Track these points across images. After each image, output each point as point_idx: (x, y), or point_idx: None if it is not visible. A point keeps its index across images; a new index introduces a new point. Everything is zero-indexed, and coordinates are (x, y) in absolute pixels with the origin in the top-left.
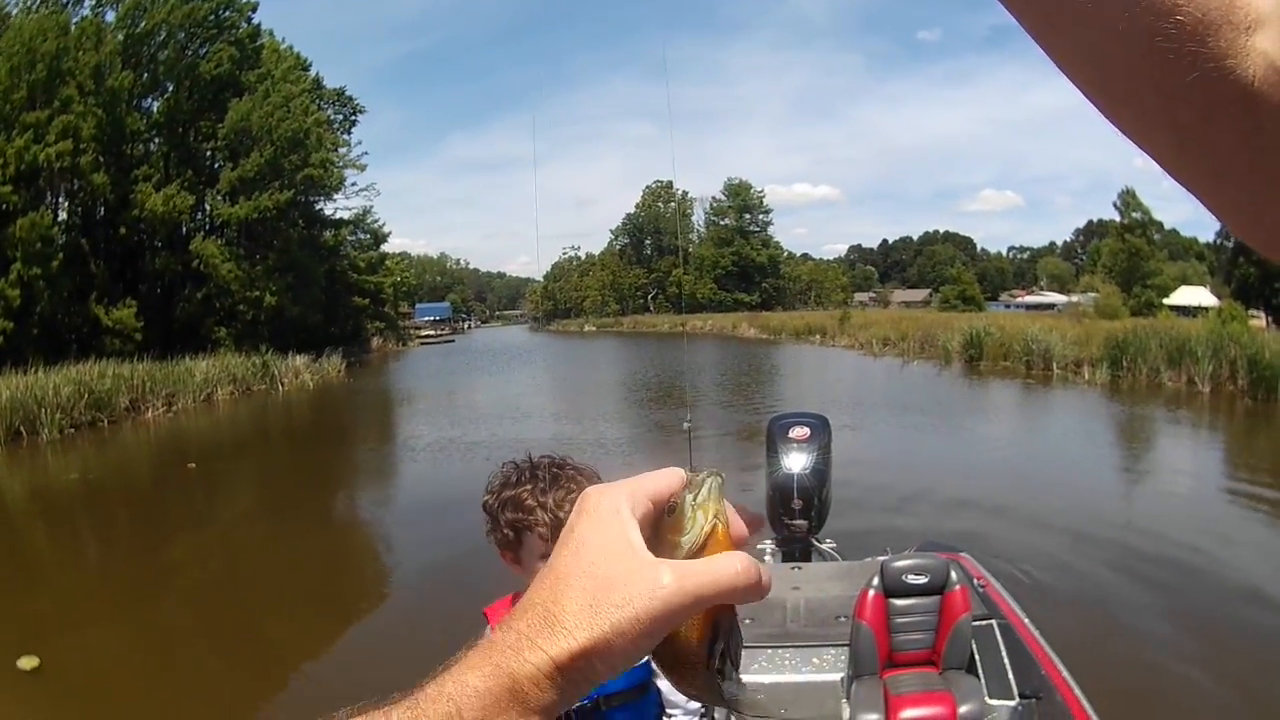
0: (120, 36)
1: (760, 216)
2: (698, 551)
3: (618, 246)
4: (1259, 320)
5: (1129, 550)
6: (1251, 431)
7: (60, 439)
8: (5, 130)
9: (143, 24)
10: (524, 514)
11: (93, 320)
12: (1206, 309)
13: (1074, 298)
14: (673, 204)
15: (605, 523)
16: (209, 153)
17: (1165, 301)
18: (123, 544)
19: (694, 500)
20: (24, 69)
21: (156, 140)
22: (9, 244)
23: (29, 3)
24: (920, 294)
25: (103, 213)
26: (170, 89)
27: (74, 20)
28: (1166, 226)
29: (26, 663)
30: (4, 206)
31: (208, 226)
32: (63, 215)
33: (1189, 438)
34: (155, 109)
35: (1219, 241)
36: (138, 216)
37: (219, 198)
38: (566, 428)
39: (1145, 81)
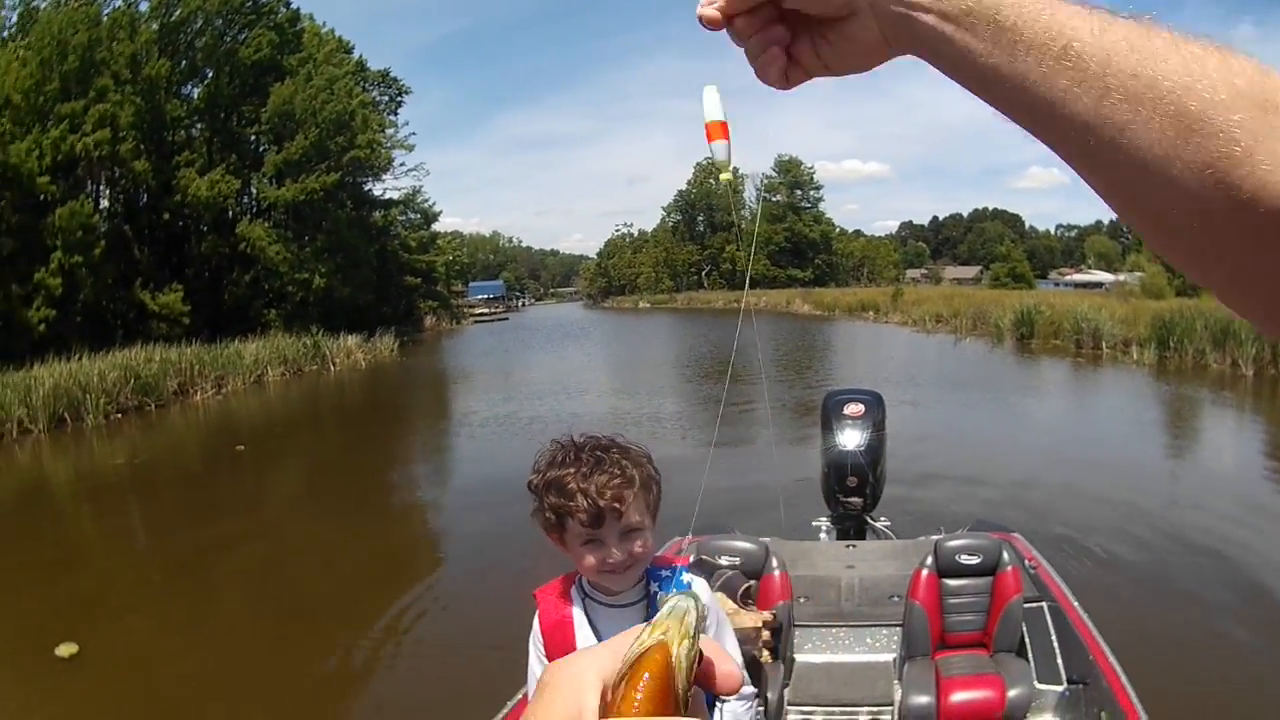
0: (155, 26)
1: (811, 193)
2: (626, 673)
3: (670, 223)
4: None
5: (1177, 533)
6: None
7: (106, 424)
8: (40, 122)
9: (178, 13)
10: (565, 499)
11: (138, 305)
12: None
13: (1121, 276)
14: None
15: (558, 699)
16: (252, 137)
17: None
18: (169, 528)
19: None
20: (55, 61)
21: (198, 126)
22: (49, 233)
23: None
24: (971, 271)
25: (145, 199)
26: (210, 75)
27: (105, 12)
28: None
29: (65, 650)
30: (42, 196)
31: (254, 210)
32: (104, 203)
33: (1234, 420)
34: (195, 95)
35: None
36: (181, 202)
37: (264, 181)
38: (622, 402)
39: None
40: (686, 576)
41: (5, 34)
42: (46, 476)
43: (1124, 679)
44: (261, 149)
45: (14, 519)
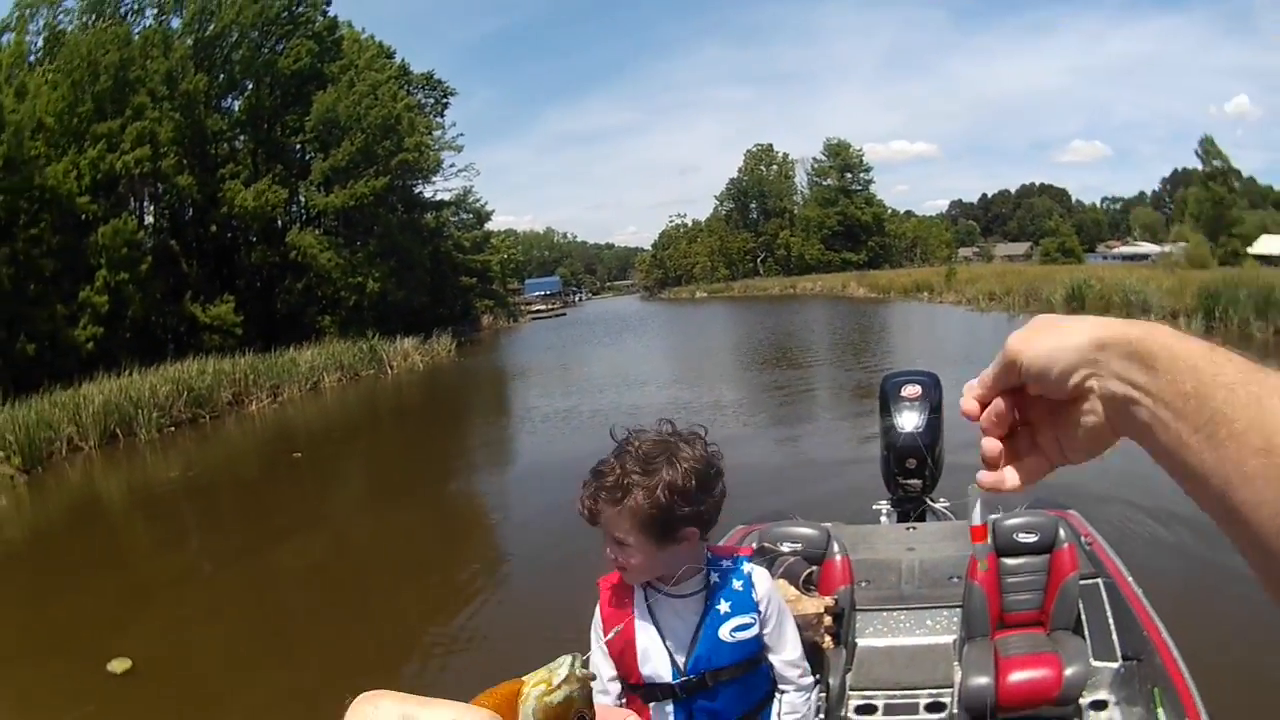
0: (189, 41)
1: (861, 175)
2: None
3: (723, 211)
4: None
5: None
6: None
7: (159, 438)
8: (76, 142)
9: (211, 27)
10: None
11: (189, 319)
12: None
13: (1166, 248)
14: (775, 166)
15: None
16: (298, 146)
17: (1249, 250)
18: (225, 538)
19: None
20: (87, 82)
21: (241, 138)
22: (92, 252)
23: (85, 19)
24: (1021, 247)
25: (191, 213)
26: (250, 87)
27: (136, 31)
28: (1244, 174)
29: (118, 665)
30: (84, 216)
31: (304, 218)
32: (149, 219)
33: None
34: (237, 108)
35: None
36: (229, 214)
37: (312, 189)
38: (682, 392)
39: None
40: (747, 566)
41: (33, 58)
42: (98, 492)
43: (1177, 655)
44: (308, 157)
45: (65, 535)
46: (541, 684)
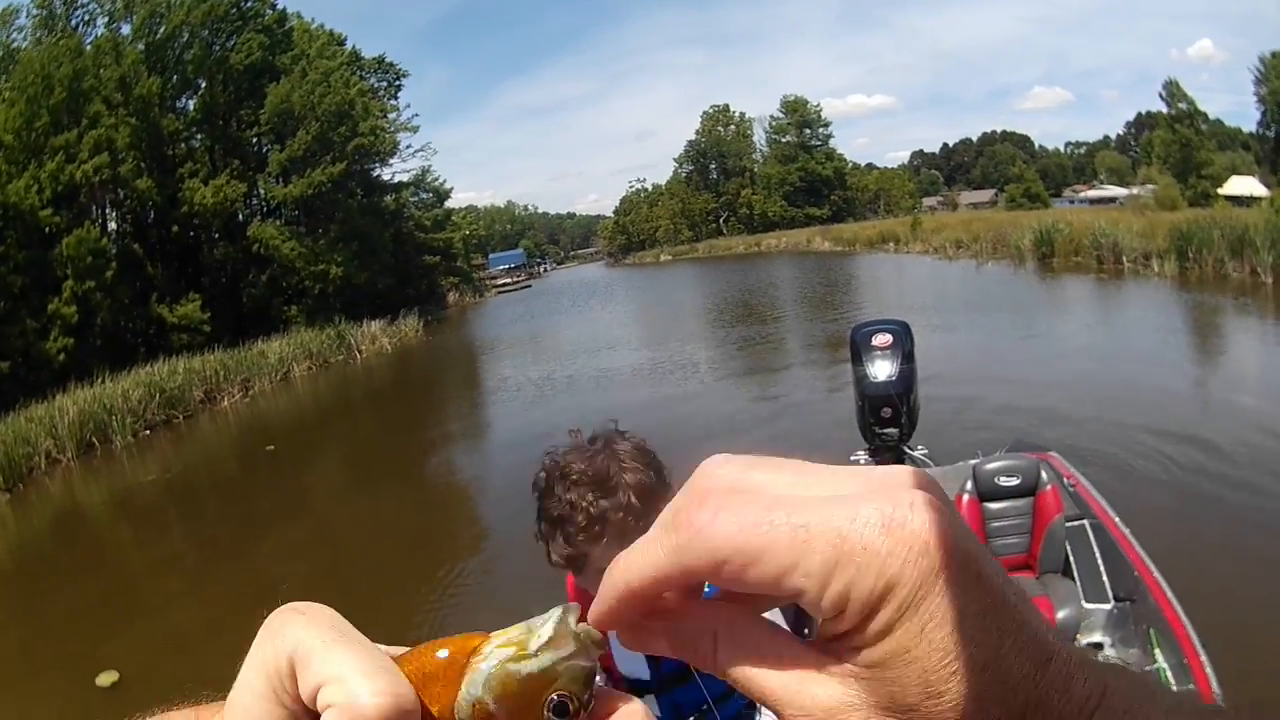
0: (140, 46)
1: (820, 130)
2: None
3: (683, 174)
4: None
5: (1212, 445)
6: None
7: (134, 442)
8: (35, 157)
9: (162, 30)
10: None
11: (157, 320)
12: (1258, 199)
13: (1134, 190)
14: (732, 126)
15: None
16: (254, 139)
17: (1219, 191)
18: (207, 540)
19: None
20: (42, 97)
21: (198, 136)
22: (58, 264)
23: (38, 35)
24: (986, 194)
25: (153, 215)
26: (203, 85)
27: (87, 41)
28: (1211, 117)
29: (106, 678)
30: (48, 229)
31: (264, 210)
32: (112, 225)
33: (1259, 328)
34: (191, 107)
35: (1261, 131)
36: (189, 213)
37: (271, 180)
38: (653, 353)
39: None
40: None
41: None
42: (80, 504)
43: (1170, 594)
44: (265, 150)
45: (50, 550)
46: (512, 646)
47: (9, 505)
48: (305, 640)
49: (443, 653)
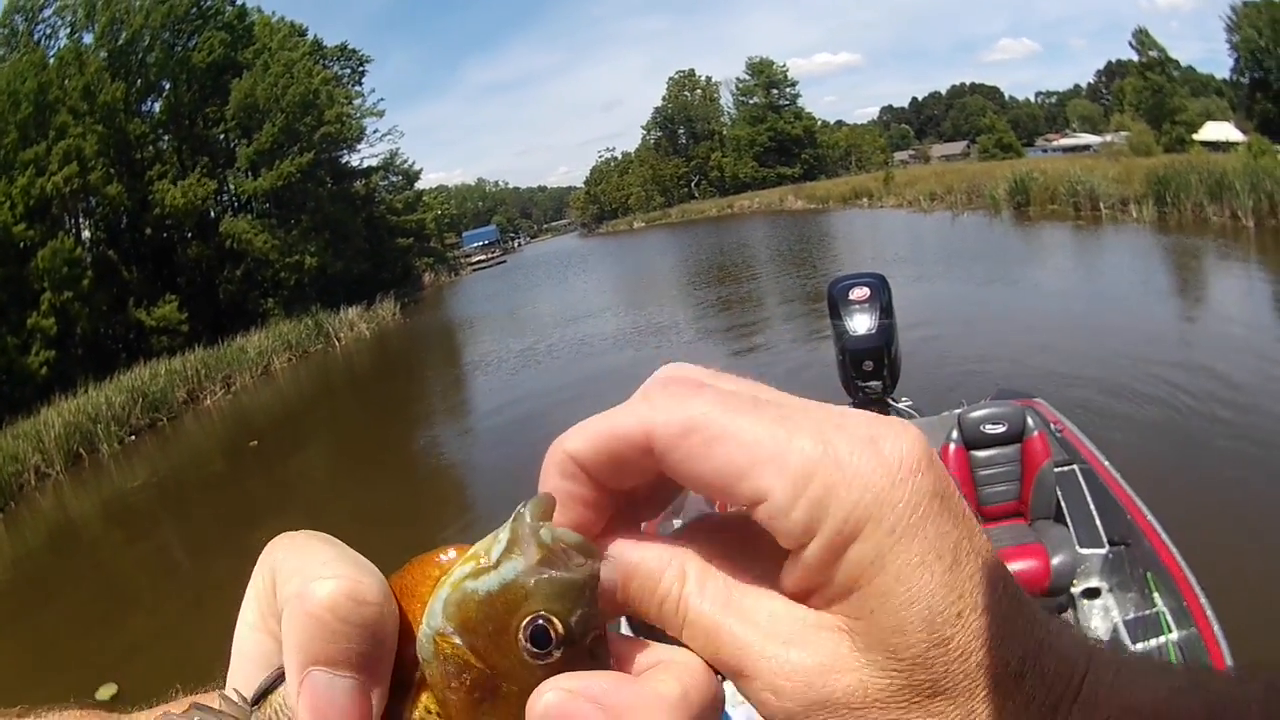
0: (103, 54)
1: (787, 90)
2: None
3: (652, 141)
4: None
5: (1197, 386)
6: None
7: (121, 450)
8: (5, 173)
9: (123, 36)
10: None
11: (136, 325)
12: (1234, 144)
13: (1107, 137)
14: (699, 91)
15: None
16: (221, 136)
17: (1194, 137)
18: (198, 542)
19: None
20: (9, 113)
21: (165, 138)
22: (34, 277)
23: (3, 53)
24: (958, 146)
25: (125, 220)
26: (168, 87)
27: (51, 54)
28: (1182, 64)
29: (105, 692)
30: (22, 244)
31: (235, 205)
32: (86, 234)
33: (1241, 272)
34: (157, 109)
35: (1235, 78)
36: (161, 215)
37: (240, 175)
38: (631, 318)
39: None
40: None
41: None
42: (72, 517)
43: (1165, 537)
44: (232, 145)
45: (46, 566)
46: (472, 559)
47: (2, 524)
48: (287, 556)
49: (445, 555)
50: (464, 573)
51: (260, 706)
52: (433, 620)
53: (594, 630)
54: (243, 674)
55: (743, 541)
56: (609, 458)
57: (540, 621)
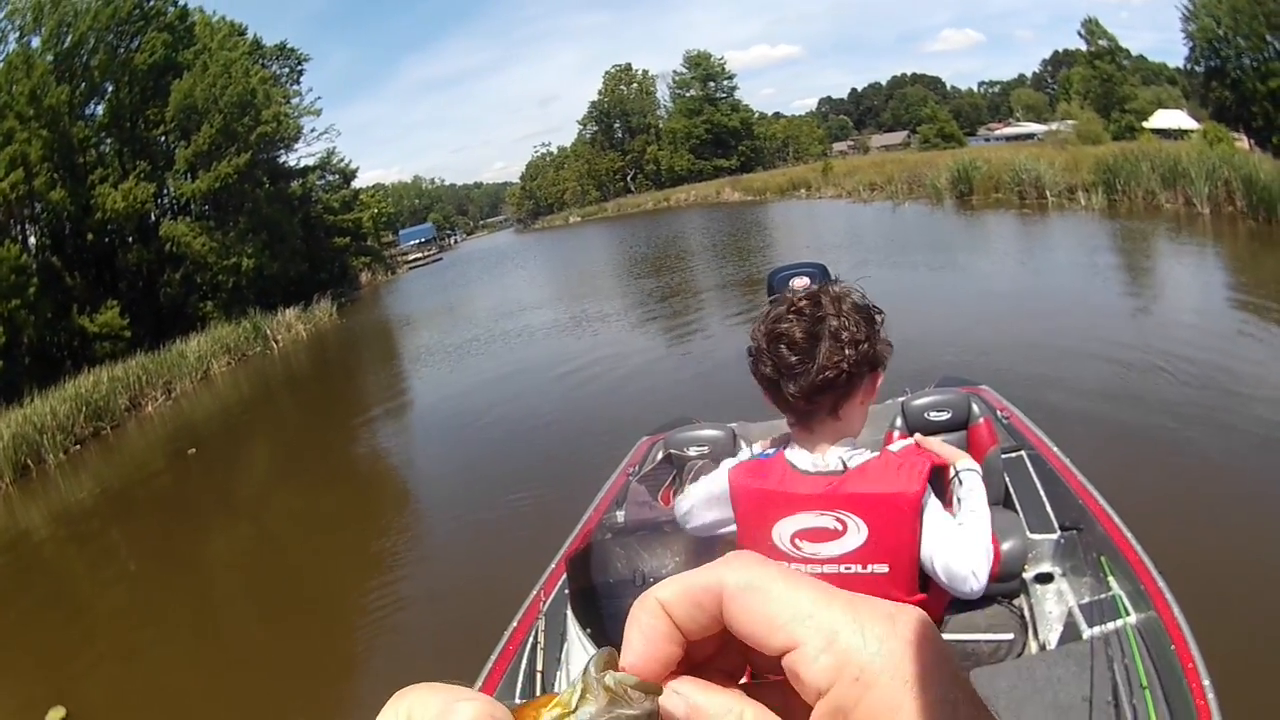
0: (49, 57)
1: (725, 83)
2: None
3: (588, 135)
4: (1241, 142)
5: (1149, 369)
6: (1259, 252)
7: (67, 459)
8: None
9: (69, 39)
10: None
11: (79, 331)
12: (1187, 132)
13: (1053, 126)
14: (635, 84)
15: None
16: (161, 137)
17: (1145, 125)
18: (145, 552)
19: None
20: None
21: (107, 141)
22: None
23: None
24: (898, 136)
25: (68, 226)
26: (110, 89)
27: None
28: (1133, 53)
29: (54, 715)
30: None
31: (174, 208)
32: (32, 240)
33: (1197, 259)
34: (100, 112)
35: (1190, 66)
36: (103, 219)
37: (179, 177)
38: (570, 309)
39: None
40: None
41: None
42: (22, 530)
43: (1118, 520)
44: (172, 148)
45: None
46: (558, 707)
47: None
48: (423, 695)
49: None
50: (553, 716)
51: None
52: None
53: None
54: None
55: (788, 703)
56: (688, 602)
57: None
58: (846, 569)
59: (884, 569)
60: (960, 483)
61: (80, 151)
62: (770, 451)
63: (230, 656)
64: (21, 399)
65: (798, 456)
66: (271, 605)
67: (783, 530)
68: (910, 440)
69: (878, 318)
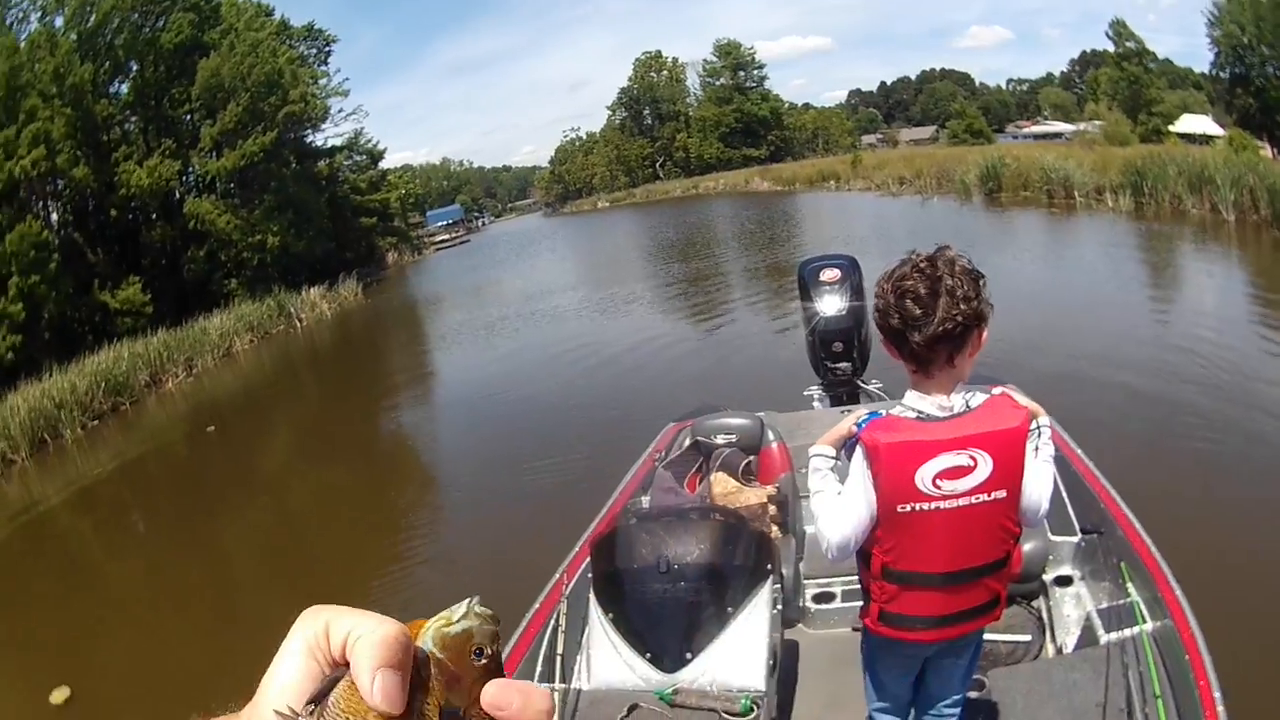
0: (73, 36)
1: (755, 72)
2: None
3: (617, 121)
4: (1265, 150)
5: (1176, 377)
6: None
7: (84, 434)
8: None
9: (93, 18)
10: None
11: (100, 307)
12: (1212, 137)
13: (1080, 126)
14: (665, 72)
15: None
16: (186, 116)
17: (1171, 129)
18: (160, 533)
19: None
20: None
21: (132, 119)
22: (1, 262)
23: None
24: (927, 131)
25: (92, 203)
26: (135, 68)
27: (22, 37)
28: (1160, 56)
29: (58, 695)
30: None
31: (199, 186)
32: (54, 216)
33: (1222, 265)
34: (125, 90)
35: (1215, 72)
36: (126, 196)
37: (204, 155)
38: (598, 291)
39: None
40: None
41: None
42: (38, 504)
43: (1139, 526)
44: (197, 126)
45: (12, 557)
46: (440, 619)
47: None
48: (336, 612)
49: (427, 622)
50: (440, 624)
51: (316, 709)
52: (424, 644)
53: (501, 654)
54: (281, 695)
55: None
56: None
57: (480, 647)
58: (977, 499)
59: (1003, 494)
60: (1039, 434)
61: (104, 129)
62: (879, 412)
63: (244, 637)
64: (41, 374)
65: (923, 404)
66: (287, 584)
67: (925, 474)
68: (1000, 389)
69: (981, 281)
